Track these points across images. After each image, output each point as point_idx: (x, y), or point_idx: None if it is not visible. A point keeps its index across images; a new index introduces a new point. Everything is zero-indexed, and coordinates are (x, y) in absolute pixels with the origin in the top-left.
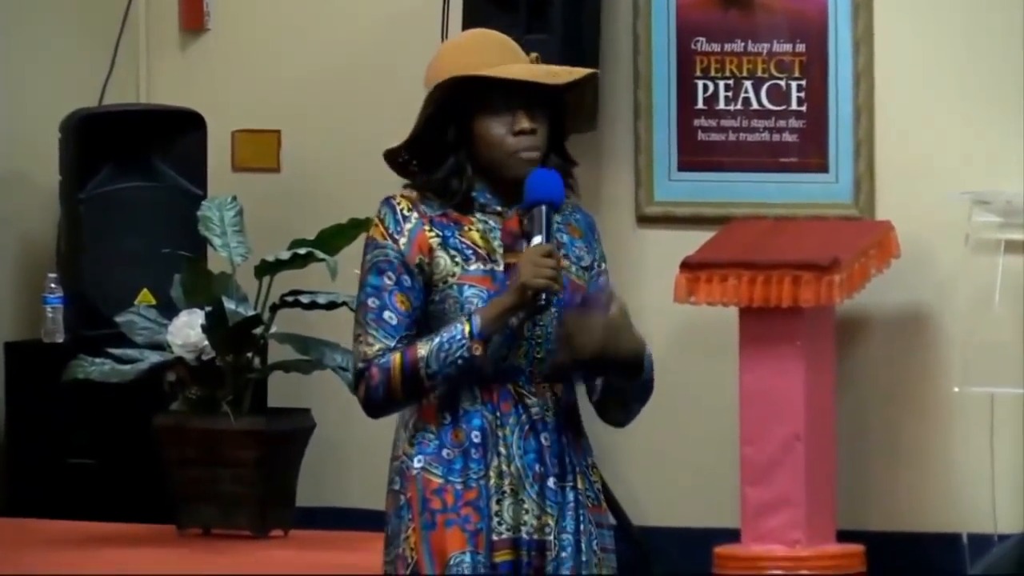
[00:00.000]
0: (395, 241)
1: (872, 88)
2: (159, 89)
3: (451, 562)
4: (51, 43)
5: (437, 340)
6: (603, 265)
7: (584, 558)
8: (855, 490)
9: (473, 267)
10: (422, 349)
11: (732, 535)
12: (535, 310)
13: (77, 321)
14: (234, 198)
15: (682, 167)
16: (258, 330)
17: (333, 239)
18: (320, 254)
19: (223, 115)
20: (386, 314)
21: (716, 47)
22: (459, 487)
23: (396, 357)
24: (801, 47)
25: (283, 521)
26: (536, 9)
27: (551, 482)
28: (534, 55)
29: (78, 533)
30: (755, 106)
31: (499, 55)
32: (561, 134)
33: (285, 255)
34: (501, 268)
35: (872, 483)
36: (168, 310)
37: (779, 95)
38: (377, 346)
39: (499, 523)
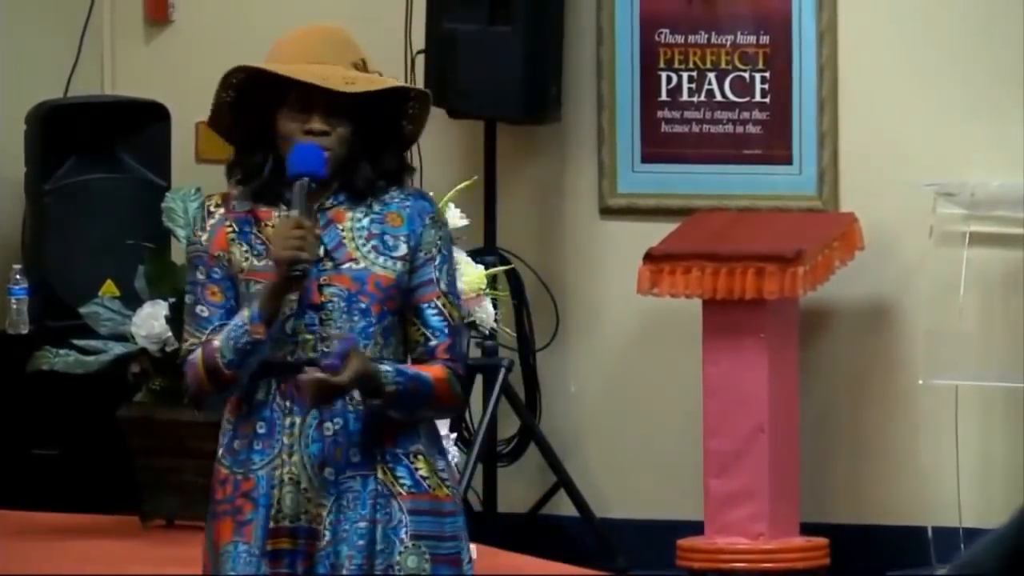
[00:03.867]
0: (199, 236)
1: (836, 80)
2: (124, 81)
3: (221, 553)
4: (16, 35)
5: (226, 329)
6: (433, 251)
7: (379, 546)
8: (819, 483)
9: (262, 263)
10: (216, 340)
11: (696, 527)
12: (292, 280)
13: (42, 312)
14: (198, 189)
15: (645, 159)
16: None
17: None
18: None
19: (187, 106)
20: (198, 308)
21: (680, 39)
22: (239, 478)
23: (199, 352)
24: (765, 39)
25: None
26: (498, 0)
27: (327, 472)
28: (361, 59)
29: (42, 524)
30: (719, 98)
31: (316, 52)
32: (383, 140)
33: None
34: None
35: (836, 476)
36: (132, 301)
37: (743, 87)
38: (191, 341)
39: (277, 511)
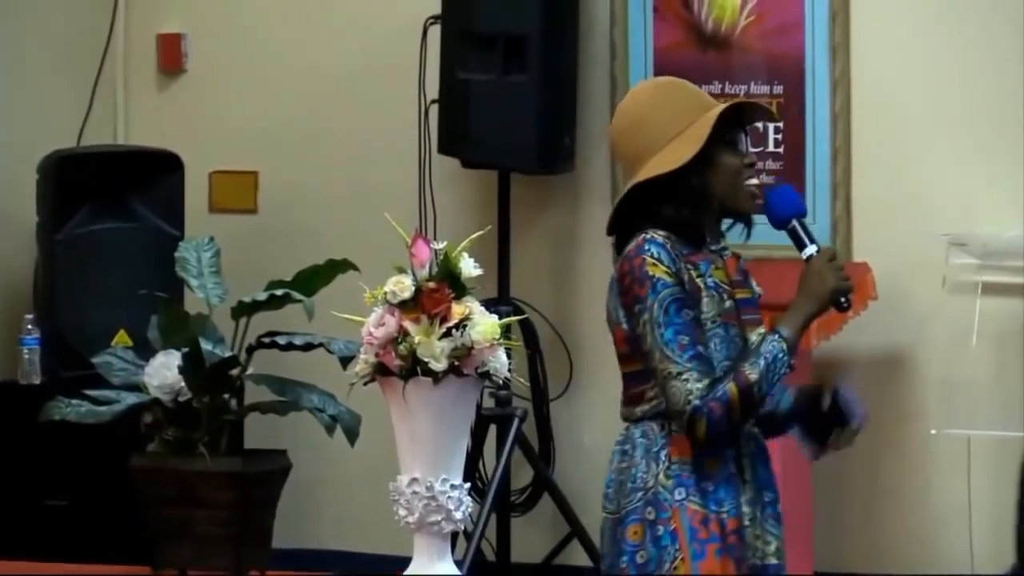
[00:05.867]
0: (679, 279)
1: (849, 130)
2: (137, 130)
3: None
4: (29, 84)
5: (763, 363)
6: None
7: None
8: (832, 532)
9: (727, 305)
10: (752, 374)
11: None
12: (840, 311)
13: (54, 362)
14: (211, 239)
15: None
16: (235, 371)
17: (310, 280)
18: (297, 295)
19: (200, 156)
20: (700, 348)
21: None
22: (724, 517)
23: (732, 388)
24: (779, 89)
25: (259, 562)
26: (514, 50)
27: (779, 507)
28: (767, 100)
29: (54, 575)
30: None
31: (703, 94)
32: None
33: (262, 296)
34: (730, 305)
35: (850, 525)
36: (145, 351)
37: (756, 137)
38: (705, 381)
39: (747, 549)
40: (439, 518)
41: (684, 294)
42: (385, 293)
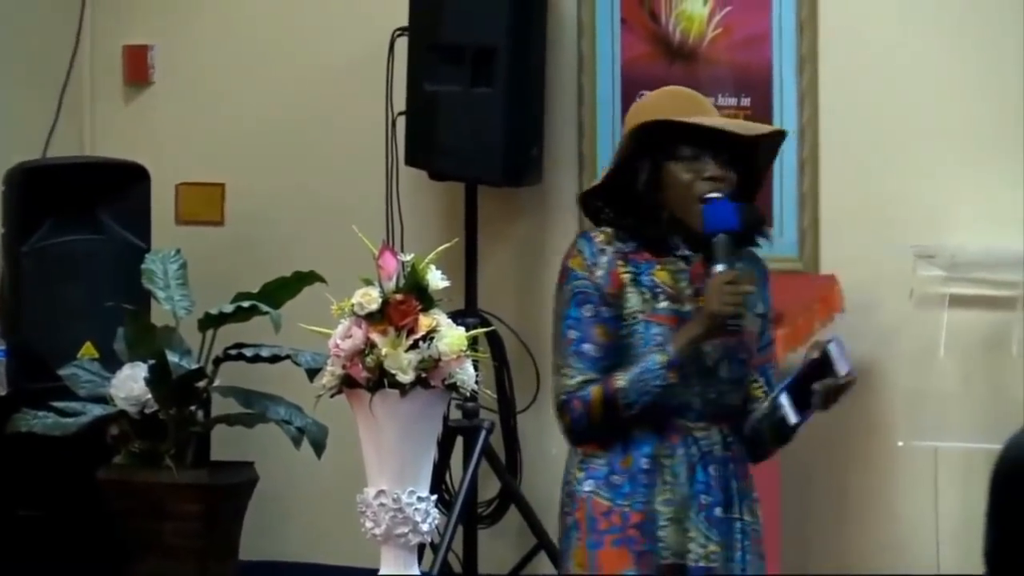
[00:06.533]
0: (592, 273)
1: (817, 141)
2: (103, 142)
3: None
4: None
5: (635, 371)
6: (769, 314)
7: None
8: (799, 543)
9: (661, 305)
10: (620, 381)
11: None
12: (726, 336)
13: (20, 374)
14: (178, 251)
15: None
16: (201, 383)
17: (277, 292)
18: (264, 307)
19: (167, 168)
20: (585, 346)
21: None
22: (626, 510)
23: (596, 389)
24: (746, 100)
25: (226, 574)
26: (481, 62)
27: (717, 511)
28: (732, 112)
29: None
30: None
31: (692, 108)
32: (753, 189)
33: (229, 308)
34: (688, 310)
35: (816, 537)
36: (111, 363)
37: None
38: (578, 378)
39: (664, 548)
40: (406, 530)
41: (592, 288)
42: (352, 305)
